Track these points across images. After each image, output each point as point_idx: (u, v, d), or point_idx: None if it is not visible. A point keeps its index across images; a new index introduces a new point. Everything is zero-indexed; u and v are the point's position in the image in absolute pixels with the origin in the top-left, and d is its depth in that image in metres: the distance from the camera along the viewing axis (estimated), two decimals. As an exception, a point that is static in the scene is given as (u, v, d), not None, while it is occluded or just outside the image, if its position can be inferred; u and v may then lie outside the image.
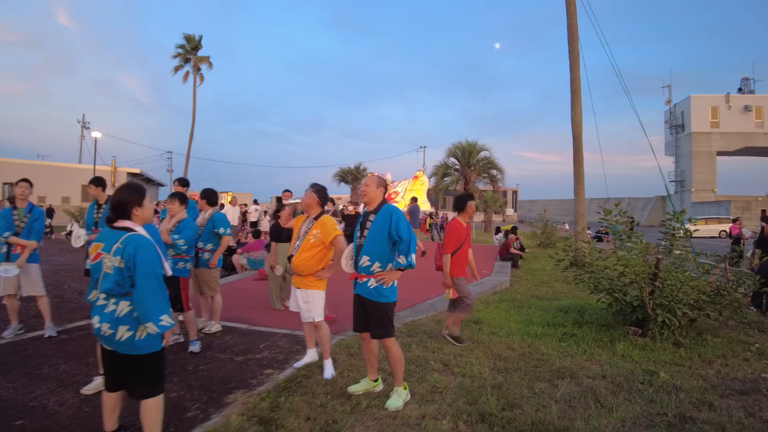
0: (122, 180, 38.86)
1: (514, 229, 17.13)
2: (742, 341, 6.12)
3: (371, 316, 3.94)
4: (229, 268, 11.87)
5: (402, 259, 3.85)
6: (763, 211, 32.82)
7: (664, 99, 52.97)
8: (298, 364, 4.87)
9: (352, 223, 9.70)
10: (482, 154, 25.86)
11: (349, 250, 4.17)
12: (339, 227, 4.76)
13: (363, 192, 4.10)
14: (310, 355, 4.97)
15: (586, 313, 7.18)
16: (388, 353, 3.96)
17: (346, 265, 4.15)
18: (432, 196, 28.43)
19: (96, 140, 32.17)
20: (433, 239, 21.93)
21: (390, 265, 3.94)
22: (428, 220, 32.04)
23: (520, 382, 4.47)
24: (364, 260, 3.92)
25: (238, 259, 11.80)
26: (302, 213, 4.92)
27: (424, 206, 16.85)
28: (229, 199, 19.47)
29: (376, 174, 4.16)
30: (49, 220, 21.59)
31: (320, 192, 4.75)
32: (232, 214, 15.29)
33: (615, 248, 10.54)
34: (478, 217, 33.59)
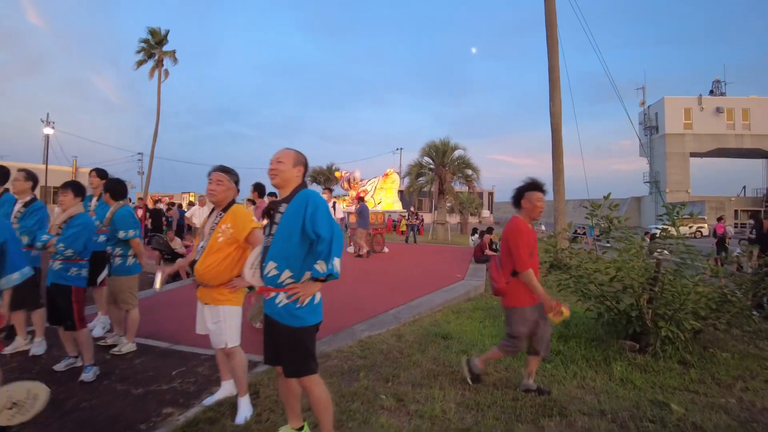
0: (85, 181, 36.99)
1: (489, 230, 16.19)
2: (756, 356, 5.19)
3: (282, 344, 2.82)
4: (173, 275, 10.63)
5: (321, 266, 2.68)
6: (761, 211, 32.55)
7: (638, 101, 53.07)
8: (209, 400, 3.74)
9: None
10: (457, 153, 24.93)
11: (254, 254, 3.02)
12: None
13: (273, 171, 2.93)
14: (225, 389, 3.83)
15: (572, 324, 6.17)
16: (308, 397, 2.85)
17: (249, 274, 2.98)
18: (406, 196, 27.44)
19: (48, 137, 30.46)
20: (407, 241, 20.92)
21: (307, 274, 2.81)
22: (403, 221, 31.24)
23: (496, 425, 3.41)
24: (270, 268, 2.79)
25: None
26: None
27: (395, 205, 15.80)
28: (193, 198, 18.26)
29: (293, 150, 3.02)
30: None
31: (232, 173, 3.63)
32: (199, 215, 13.99)
33: (593, 248, 9.71)
34: (454, 219, 32.74)
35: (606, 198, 5.76)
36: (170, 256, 11.74)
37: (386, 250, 15.86)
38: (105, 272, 5.30)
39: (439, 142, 24.68)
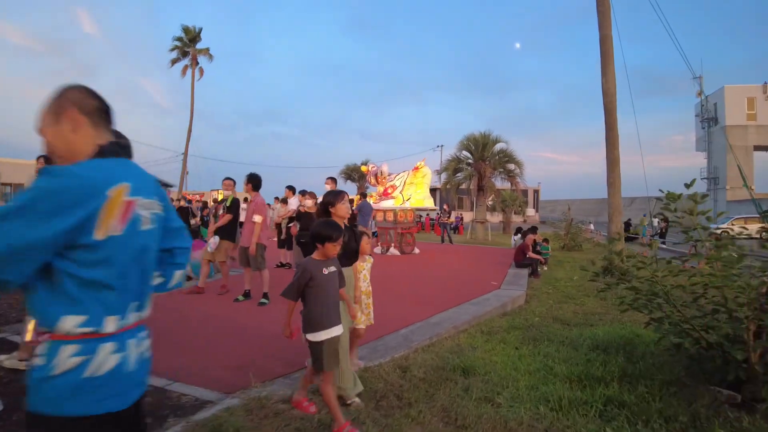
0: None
1: (533, 229, 14.53)
2: None
3: None
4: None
5: None
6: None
7: (695, 92, 49.48)
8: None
9: (306, 225, 7.33)
10: (498, 146, 23.15)
11: None
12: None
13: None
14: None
15: (638, 355, 4.64)
16: None
17: None
18: (443, 193, 25.85)
19: None
20: (443, 240, 19.40)
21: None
22: (431, 220, 29.71)
23: None
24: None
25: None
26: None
27: (426, 202, 14.32)
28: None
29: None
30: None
31: None
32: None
33: (653, 255, 8.02)
34: (496, 218, 30.93)
35: (689, 185, 4.18)
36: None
37: (417, 251, 14.44)
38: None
39: (478, 135, 23.01)
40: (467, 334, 5.82)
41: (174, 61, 34.69)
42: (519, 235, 17.47)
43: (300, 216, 8.17)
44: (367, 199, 14.81)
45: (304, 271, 3.13)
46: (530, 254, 11.26)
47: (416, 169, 14.36)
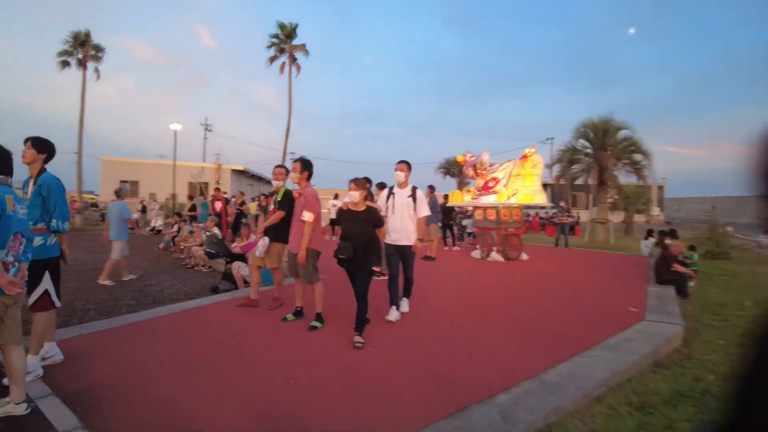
0: (227, 177, 38.03)
1: (673, 233, 11.59)
2: None
3: None
4: (229, 279, 8.22)
5: None
6: None
7: None
8: None
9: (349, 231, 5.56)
10: (622, 133, 19.80)
11: None
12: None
13: None
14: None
15: None
16: None
17: None
18: (556, 188, 22.84)
19: (176, 133, 30.92)
20: (557, 244, 16.73)
21: None
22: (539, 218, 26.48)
23: None
24: None
25: (238, 268, 8.00)
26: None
27: (537, 197, 11.88)
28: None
29: None
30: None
31: None
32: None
33: None
34: (616, 217, 27.19)
35: None
36: (227, 257, 9.35)
37: (524, 257, 12.05)
38: None
39: (598, 121, 19.80)
40: (606, 407, 3.65)
41: (272, 59, 34.42)
42: (651, 239, 14.45)
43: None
44: (465, 194, 12.68)
45: None
46: (677, 267, 8.56)
47: (524, 157, 11.94)
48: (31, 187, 4.30)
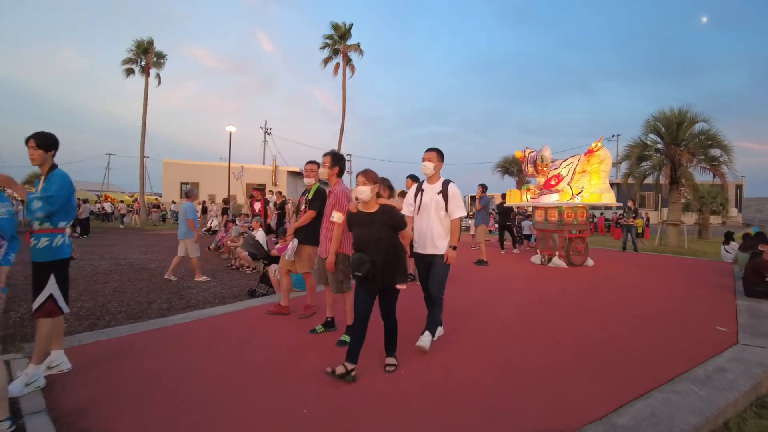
0: (283, 179, 38.30)
1: (761, 236, 10.23)
2: None
3: None
4: (266, 282, 7.79)
5: None
6: None
7: None
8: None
9: (360, 240, 4.81)
10: (697, 126, 18.10)
11: None
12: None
13: None
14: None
15: None
16: None
17: None
18: (623, 188, 21.30)
19: (231, 134, 31.25)
20: (625, 247, 15.48)
21: None
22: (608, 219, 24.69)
23: None
24: None
25: (274, 271, 7.53)
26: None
27: (605, 197, 10.81)
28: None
29: None
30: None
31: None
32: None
33: None
34: (688, 219, 25.19)
35: None
36: (265, 259, 8.96)
37: (590, 262, 11.02)
38: None
39: (670, 113, 18.22)
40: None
41: (326, 61, 34.28)
42: (733, 243, 13.01)
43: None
44: (524, 193, 11.74)
45: None
46: (773, 276, 7.41)
47: (590, 152, 10.91)
48: (41, 186, 3.91)
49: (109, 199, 41.88)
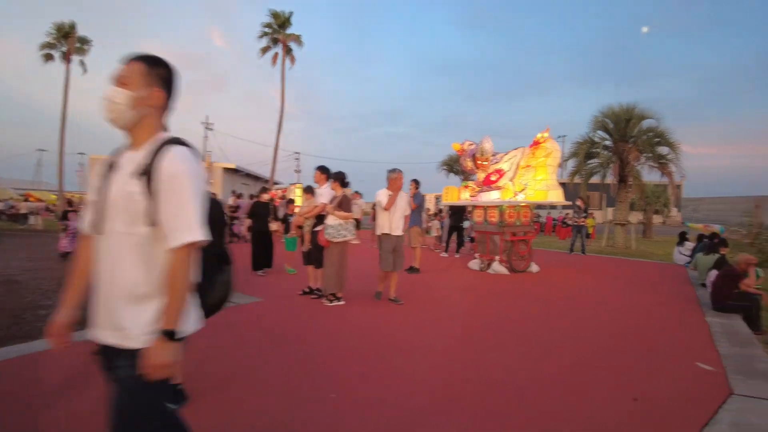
0: (218, 176, 36.04)
1: (723, 242, 9.12)
2: None
3: None
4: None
5: None
6: None
7: None
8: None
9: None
10: (646, 123, 17.34)
11: None
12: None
13: None
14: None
15: None
16: None
17: None
18: (569, 186, 20.37)
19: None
20: (572, 249, 14.43)
21: None
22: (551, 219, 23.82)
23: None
24: None
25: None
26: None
27: (552, 194, 9.58)
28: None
29: None
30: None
31: None
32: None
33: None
34: (635, 218, 24.69)
35: None
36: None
37: (534, 268, 9.72)
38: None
39: (619, 109, 17.36)
40: None
41: (264, 50, 32.03)
42: (687, 244, 12.06)
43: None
44: (462, 191, 10.33)
45: None
46: (747, 287, 6.24)
47: (536, 144, 9.61)
48: None
49: (31, 198, 38.26)
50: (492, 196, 9.44)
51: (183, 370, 2.98)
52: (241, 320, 5.32)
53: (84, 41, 31.34)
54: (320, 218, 6.36)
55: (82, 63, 31.56)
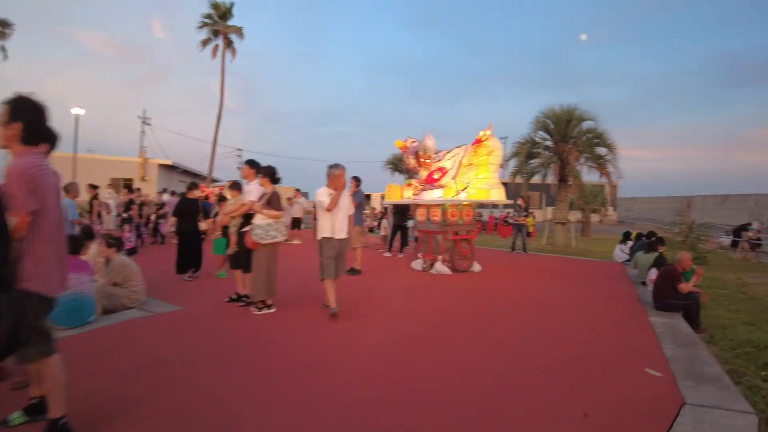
0: (154, 172, 34.41)
1: (661, 240, 9.22)
2: None
3: None
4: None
5: None
6: None
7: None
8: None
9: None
10: (585, 124, 17.66)
11: None
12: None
13: None
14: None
15: None
16: None
17: None
18: (511, 186, 20.52)
19: (77, 118, 27.32)
20: (514, 248, 14.40)
21: None
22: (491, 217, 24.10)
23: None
24: None
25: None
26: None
27: (494, 193, 9.40)
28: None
29: None
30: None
31: None
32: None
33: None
34: (574, 217, 25.26)
35: None
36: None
37: (477, 267, 9.51)
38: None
39: (560, 110, 17.59)
40: None
41: (204, 42, 30.80)
42: (629, 244, 12.21)
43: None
44: (405, 189, 10.00)
45: None
46: (687, 286, 6.19)
47: (477, 142, 9.40)
48: None
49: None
50: (434, 195, 9.14)
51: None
52: (147, 335, 4.72)
53: (5, 24, 29.15)
54: (248, 218, 5.84)
55: (2, 48, 29.38)
